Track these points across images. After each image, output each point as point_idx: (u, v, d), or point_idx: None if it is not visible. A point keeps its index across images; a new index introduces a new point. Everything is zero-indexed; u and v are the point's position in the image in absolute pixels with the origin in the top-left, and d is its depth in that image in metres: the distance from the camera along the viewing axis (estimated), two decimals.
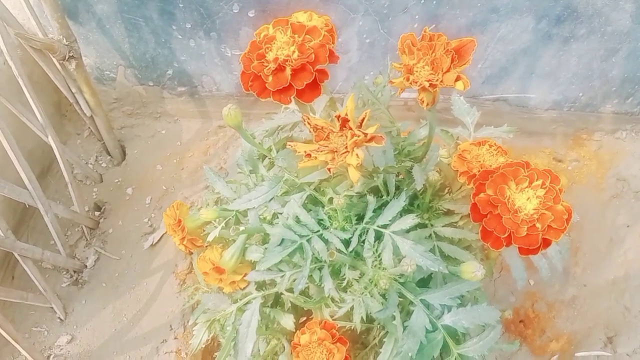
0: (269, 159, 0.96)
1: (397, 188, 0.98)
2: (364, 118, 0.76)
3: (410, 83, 0.78)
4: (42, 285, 1.31)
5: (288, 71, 0.71)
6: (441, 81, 0.77)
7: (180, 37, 1.51)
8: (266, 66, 0.73)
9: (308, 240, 0.84)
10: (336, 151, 0.76)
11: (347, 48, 1.48)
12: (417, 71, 0.79)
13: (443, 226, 0.96)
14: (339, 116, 0.75)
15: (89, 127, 1.64)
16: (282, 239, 0.85)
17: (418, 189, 0.90)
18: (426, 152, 1.01)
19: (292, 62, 0.71)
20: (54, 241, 1.42)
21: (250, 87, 0.74)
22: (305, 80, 0.71)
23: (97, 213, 1.61)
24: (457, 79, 0.76)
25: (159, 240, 1.54)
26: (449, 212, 0.99)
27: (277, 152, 0.92)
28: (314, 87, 0.72)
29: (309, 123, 0.78)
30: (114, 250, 1.55)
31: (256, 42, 0.75)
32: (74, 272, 1.49)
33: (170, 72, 1.62)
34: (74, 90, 1.43)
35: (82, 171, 1.62)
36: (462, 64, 0.78)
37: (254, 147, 0.98)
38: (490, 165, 0.89)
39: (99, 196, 1.64)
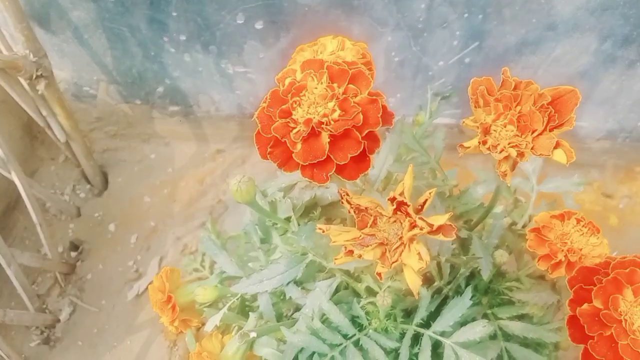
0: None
1: (452, 267, 0.78)
2: (425, 201, 0.56)
3: (489, 148, 0.58)
4: (5, 351, 1.11)
5: (325, 138, 0.52)
6: (532, 148, 0.57)
7: (173, 50, 1.30)
8: (293, 129, 0.53)
9: (341, 352, 0.64)
10: (387, 244, 0.56)
11: None
12: (496, 131, 0.59)
13: (509, 318, 0.76)
14: (394, 198, 0.55)
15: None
16: (303, 348, 0.66)
17: (485, 278, 0.70)
18: (485, 217, 0.81)
19: (331, 125, 0.51)
20: None
21: (269, 154, 0.55)
22: (350, 152, 0.51)
23: (73, 254, 1.41)
24: (556, 145, 0.57)
25: (145, 289, 1.34)
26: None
27: (299, 223, 0.72)
28: (361, 160, 0.53)
29: (348, 202, 0.58)
30: (93, 300, 1.35)
31: (279, 92, 0.55)
32: (45, 327, 1.29)
33: (161, 90, 1.42)
34: (44, 113, 1.23)
35: (56, 205, 1.41)
36: (561, 123, 0.58)
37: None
38: (581, 250, 0.69)
39: (75, 234, 1.44)
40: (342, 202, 0.59)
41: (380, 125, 0.53)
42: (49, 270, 1.34)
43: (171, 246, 1.39)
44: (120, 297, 1.35)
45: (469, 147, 0.59)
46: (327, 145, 0.51)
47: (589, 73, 1.26)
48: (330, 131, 0.51)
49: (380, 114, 0.53)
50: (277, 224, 0.78)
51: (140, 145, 1.57)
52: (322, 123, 0.52)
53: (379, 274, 0.54)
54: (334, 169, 0.52)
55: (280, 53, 1.26)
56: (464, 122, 0.60)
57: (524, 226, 0.91)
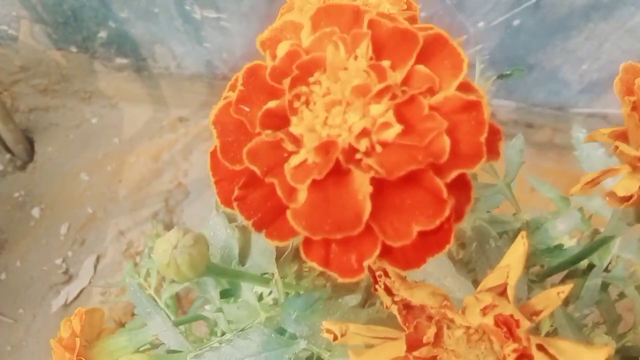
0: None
1: None
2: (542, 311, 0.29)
3: None
4: None
5: (363, 183, 0.23)
6: None
7: None
8: (291, 156, 0.24)
9: None
10: None
11: None
12: None
13: None
14: (488, 308, 0.28)
15: None
16: None
17: None
18: (565, 269, 0.56)
19: (378, 155, 0.23)
20: None
21: (236, 201, 0.27)
22: (419, 221, 0.23)
23: None
24: None
25: (77, 297, 1.07)
26: None
27: (286, 291, 0.45)
28: (435, 233, 0.24)
29: (388, 292, 0.31)
30: (7, 308, 1.08)
31: (263, 71, 0.26)
32: None
33: (104, 35, 1.10)
34: None
35: None
36: None
37: (231, 240, 0.51)
38: None
39: None
40: (375, 290, 0.32)
41: (484, 160, 0.25)
42: None
43: (112, 242, 1.11)
44: (42, 305, 1.08)
45: (628, 198, 0.31)
46: (368, 202, 0.24)
47: None
48: (378, 171, 0.23)
49: (485, 135, 0.25)
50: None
51: (78, 106, 1.26)
52: (358, 151, 0.24)
53: None
54: (378, 252, 0.25)
55: None
56: (616, 147, 0.33)
57: (607, 270, 0.66)
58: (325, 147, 0.24)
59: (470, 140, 0.25)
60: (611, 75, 1.03)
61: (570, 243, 0.65)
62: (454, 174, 0.24)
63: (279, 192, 0.25)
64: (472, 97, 0.25)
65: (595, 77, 1.09)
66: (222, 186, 0.28)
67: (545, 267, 0.60)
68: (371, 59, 0.27)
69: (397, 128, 0.24)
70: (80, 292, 1.09)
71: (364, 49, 0.27)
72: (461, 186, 0.26)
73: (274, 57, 0.28)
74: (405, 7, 0.46)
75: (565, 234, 0.61)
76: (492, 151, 0.27)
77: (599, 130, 0.39)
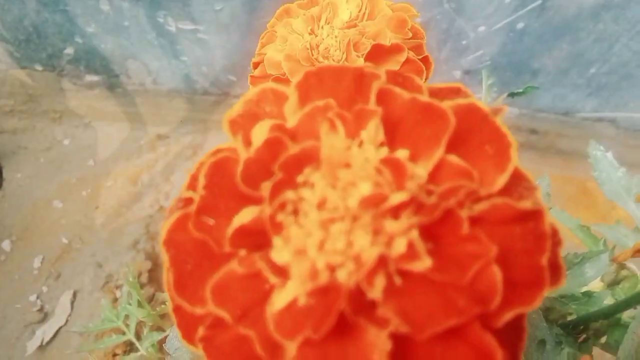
0: None
1: None
2: None
3: None
4: None
5: (380, 341, 0.16)
6: None
7: None
8: (272, 289, 0.18)
9: None
10: None
11: None
12: None
13: None
14: None
15: None
16: None
17: None
18: (596, 320, 0.50)
19: (400, 306, 0.17)
20: None
21: (201, 344, 0.19)
22: None
23: None
24: None
25: (53, 337, 0.99)
26: None
27: None
28: None
29: None
30: None
31: (229, 167, 0.19)
32: None
33: (70, 52, 1.02)
34: None
35: None
36: None
37: None
38: None
39: None
40: None
41: (547, 290, 0.17)
42: None
43: (89, 276, 1.03)
44: (17, 347, 1.00)
45: None
46: None
47: None
48: (400, 328, 0.16)
49: (548, 254, 0.17)
50: None
51: (48, 127, 1.17)
52: (363, 294, 0.17)
53: None
54: None
55: (249, 4, 0.87)
56: None
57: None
58: (324, 293, 0.17)
59: (527, 264, 0.18)
60: (619, 80, 0.95)
61: (595, 282, 0.58)
62: (506, 318, 0.17)
63: (259, 349, 0.18)
64: (527, 205, 0.18)
65: (604, 81, 1.02)
66: (182, 317, 0.21)
67: (574, 315, 0.53)
68: (382, 144, 0.19)
69: (427, 262, 0.17)
70: (57, 332, 1.01)
71: (372, 131, 0.19)
72: (514, 327, 0.19)
73: (247, 144, 0.20)
74: (410, 35, 0.39)
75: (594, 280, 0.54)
76: (554, 268, 0.19)
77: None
